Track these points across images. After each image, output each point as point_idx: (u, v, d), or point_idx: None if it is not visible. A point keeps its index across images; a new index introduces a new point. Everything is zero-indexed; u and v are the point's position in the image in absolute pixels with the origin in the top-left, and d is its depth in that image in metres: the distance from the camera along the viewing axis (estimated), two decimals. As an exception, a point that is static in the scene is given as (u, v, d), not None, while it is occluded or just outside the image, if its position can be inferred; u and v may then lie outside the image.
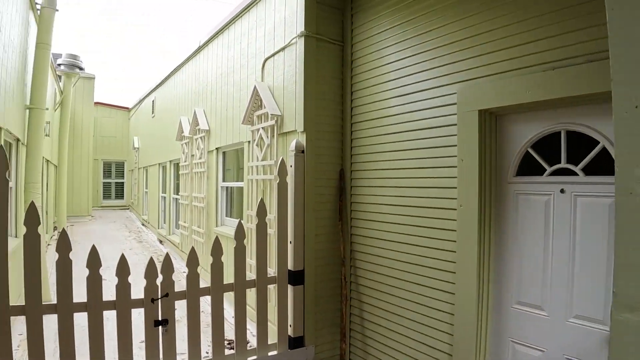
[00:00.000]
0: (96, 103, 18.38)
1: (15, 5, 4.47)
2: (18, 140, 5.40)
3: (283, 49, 4.45)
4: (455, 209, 3.02)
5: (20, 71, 5.18)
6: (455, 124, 3.03)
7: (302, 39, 4.02)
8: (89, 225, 14.68)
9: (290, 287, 3.81)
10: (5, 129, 4.25)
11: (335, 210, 4.14)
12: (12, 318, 2.67)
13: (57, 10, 5.91)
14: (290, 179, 3.84)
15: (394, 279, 3.59)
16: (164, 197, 11.34)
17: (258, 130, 4.88)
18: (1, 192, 2.61)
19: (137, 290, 3.10)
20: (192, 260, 3.37)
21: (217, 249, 3.46)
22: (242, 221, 3.63)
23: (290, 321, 3.80)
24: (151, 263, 3.17)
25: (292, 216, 3.81)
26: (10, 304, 2.67)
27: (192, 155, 7.80)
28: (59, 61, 12.90)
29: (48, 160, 10.50)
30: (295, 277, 3.80)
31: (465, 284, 2.92)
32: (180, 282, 3.49)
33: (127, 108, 20.01)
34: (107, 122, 19.94)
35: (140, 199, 15.83)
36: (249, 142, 5.22)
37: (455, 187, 3.02)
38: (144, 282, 3.13)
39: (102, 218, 16.96)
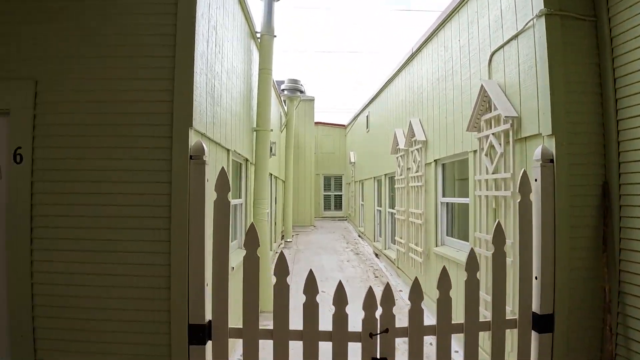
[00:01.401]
0: (316, 123, 20.21)
1: (236, 34, 4.85)
2: (247, 160, 5.90)
3: (515, 36, 3.73)
4: None
5: (246, 96, 5.66)
6: None
7: (542, 19, 3.22)
8: (311, 235, 15.90)
9: (534, 335, 2.99)
10: (232, 151, 4.57)
11: (598, 237, 3.11)
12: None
13: (275, 36, 6.33)
14: (535, 197, 3.02)
15: None
16: (379, 211, 11.34)
17: (487, 137, 4.15)
18: (224, 212, 2.60)
19: (354, 307, 2.82)
20: (416, 292, 2.87)
21: (444, 282, 2.89)
22: (473, 248, 2.99)
23: (535, 377, 2.96)
24: (370, 293, 2.81)
25: (537, 244, 2.98)
26: (230, 326, 2.66)
27: (408, 169, 7.45)
28: (282, 87, 14.32)
29: (276, 177, 11.68)
30: (542, 322, 2.96)
31: None
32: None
33: (343, 125, 21.46)
34: (326, 139, 21.73)
35: (357, 211, 16.46)
36: (475, 151, 4.53)
37: None
38: (359, 297, 2.80)
39: (322, 228, 18.27)
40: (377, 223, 11.64)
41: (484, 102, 4.18)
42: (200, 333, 2.67)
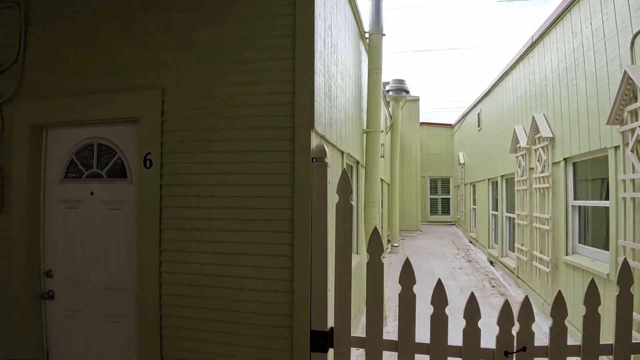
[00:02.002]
0: (422, 123, 19.60)
1: (347, 34, 4.80)
2: (358, 162, 5.84)
3: (668, 12, 3.17)
4: None
5: (357, 97, 5.57)
6: None
7: None
8: (418, 240, 15.39)
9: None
10: (347, 153, 4.52)
11: None
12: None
13: (384, 35, 6.18)
14: None
15: None
16: (495, 215, 10.58)
17: (633, 130, 3.62)
18: (347, 215, 2.53)
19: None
20: (559, 308, 2.54)
21: (592, 296, 2.52)
22: (626, 258, 2.58)
23: None
24: (506, 307, 2.54)
25: None
26: (352, 334, 2.56)
27: (531, 169, 6.82)
28: (387, 87, 14.12)
29: (382, 179, 11.52)
30: None
31: None
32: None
33: (450, 125, 20.51)
34: (432, 140, 20.89)
35: (467, 216, 15.55)
36: (617, 147, 3.97)
37: None
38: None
39: (429, 233, 17.62)
40: (492, 228, 10.87)
41: (628, 90, 3.65)
42: (322, 340, 2.59)
